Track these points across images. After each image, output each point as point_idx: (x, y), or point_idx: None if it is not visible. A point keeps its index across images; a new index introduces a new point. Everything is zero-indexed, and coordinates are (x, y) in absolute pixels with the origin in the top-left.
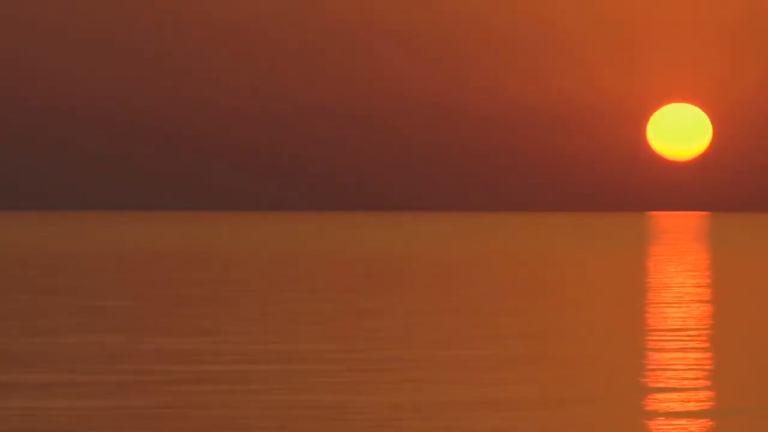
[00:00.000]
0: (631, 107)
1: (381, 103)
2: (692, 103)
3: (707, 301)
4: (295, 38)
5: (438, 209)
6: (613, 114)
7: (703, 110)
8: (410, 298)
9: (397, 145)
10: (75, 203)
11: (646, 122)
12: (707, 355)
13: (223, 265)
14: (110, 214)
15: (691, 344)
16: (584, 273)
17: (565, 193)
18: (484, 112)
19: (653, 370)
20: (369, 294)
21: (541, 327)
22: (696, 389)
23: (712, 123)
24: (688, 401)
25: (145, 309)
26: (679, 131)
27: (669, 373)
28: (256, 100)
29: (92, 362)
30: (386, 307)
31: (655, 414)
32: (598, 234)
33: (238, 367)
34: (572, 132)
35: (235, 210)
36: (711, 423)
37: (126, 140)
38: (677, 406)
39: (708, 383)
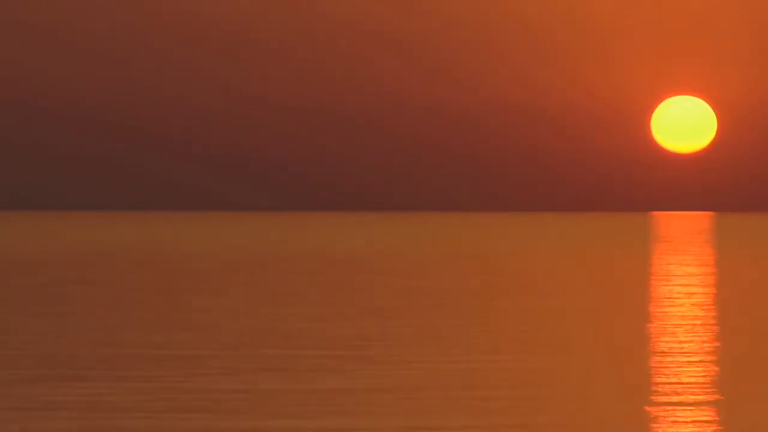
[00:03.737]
0: (634, 103)
1: (378, 105)
2: (696, 96)
3: (708, 309)
4: (283, 39)
5: (438, 209)
6: (616, 111)
7: (707, 103)
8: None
9: (402, 146)
10: (50, 203)
11: (650, 117)
12: (712, 362)
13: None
14: (88, 214)
15: (694, 357)
16: (584, 276)
17: (567, 193)
18: (484, 113)
19: (658, 383)
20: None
21: (539, 330)
22: (703, 401)
23: (716, 115)
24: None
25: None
26: (684, 124)
27: (673, 386)
28: (241, 101)
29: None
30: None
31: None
32: (601, 235)
33: None
34: (575, 130)
35: (218, 210)
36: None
37: (106, 140)
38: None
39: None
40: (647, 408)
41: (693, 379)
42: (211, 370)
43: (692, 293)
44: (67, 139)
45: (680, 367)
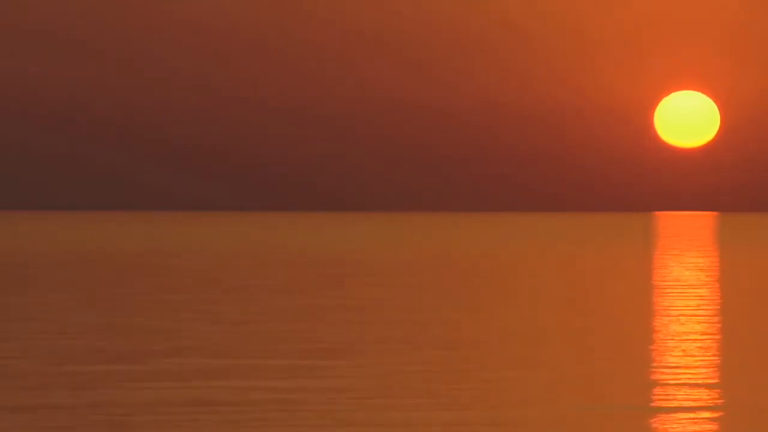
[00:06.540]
0: (636, 100)
1: (371, 106)
2: (698, 91)
3: (712, 311)
4: (272, 40)
5: (438, 210)
6: (618, 108)
7: (710, 98)
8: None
9: (407, 147)
10: (19, 203)
11: (652, 113)
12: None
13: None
14: (86, 215)
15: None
16: (585, 277)
17: (569, 193)
18: (486, 113)
19: (661, 384)
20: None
21: (541, 330)
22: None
23: (719, 110)
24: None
25: None
26: (687, 119)
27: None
28: (232, 101)
29: None
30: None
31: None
32: (601, 236)
33: None
34: (577, 129)
35: (206, 210)
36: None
37: (99, 141)
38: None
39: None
40: (649, 413)
41: (696, 383)
42: None
43: (698, 304)
44: (64, 140)
45: (684, 368)
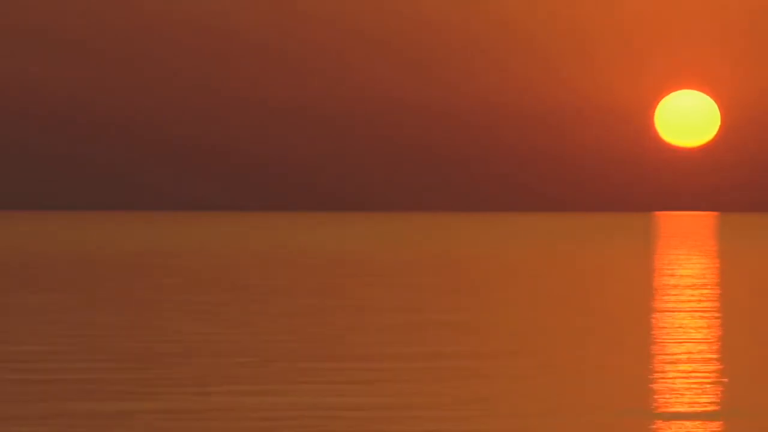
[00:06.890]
0: (636, 99)
1: (368, 106)
2: (699, 90)
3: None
4: (269, 39)
5: (440, 209)
6: (618, 107)
7: (710, 97)
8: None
9: (410, 147)
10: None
11: (652, 113)
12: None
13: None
14: (63, 214)
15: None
16: (585, 277)
17: (569, 193)
18: (490, 114)
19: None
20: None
21: (540, 333)
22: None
23: (720, 109)
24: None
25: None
26: (687, 118)
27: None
28: (226, 100)
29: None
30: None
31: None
32: (601, 236)
33: None
34: (577, 129)
35: (200, 210)
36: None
37: (96, 142)
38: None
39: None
40: (651, 418)
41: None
42: None
43: (699, 305)
44: (64, 140)
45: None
